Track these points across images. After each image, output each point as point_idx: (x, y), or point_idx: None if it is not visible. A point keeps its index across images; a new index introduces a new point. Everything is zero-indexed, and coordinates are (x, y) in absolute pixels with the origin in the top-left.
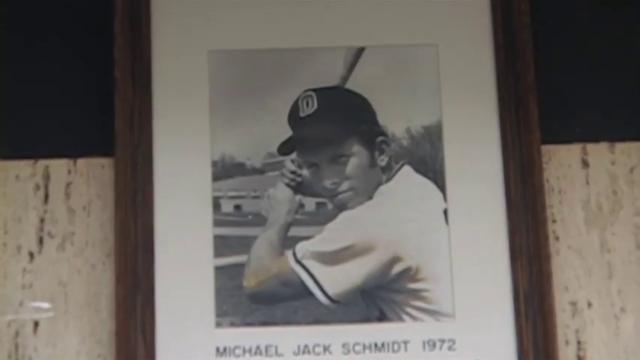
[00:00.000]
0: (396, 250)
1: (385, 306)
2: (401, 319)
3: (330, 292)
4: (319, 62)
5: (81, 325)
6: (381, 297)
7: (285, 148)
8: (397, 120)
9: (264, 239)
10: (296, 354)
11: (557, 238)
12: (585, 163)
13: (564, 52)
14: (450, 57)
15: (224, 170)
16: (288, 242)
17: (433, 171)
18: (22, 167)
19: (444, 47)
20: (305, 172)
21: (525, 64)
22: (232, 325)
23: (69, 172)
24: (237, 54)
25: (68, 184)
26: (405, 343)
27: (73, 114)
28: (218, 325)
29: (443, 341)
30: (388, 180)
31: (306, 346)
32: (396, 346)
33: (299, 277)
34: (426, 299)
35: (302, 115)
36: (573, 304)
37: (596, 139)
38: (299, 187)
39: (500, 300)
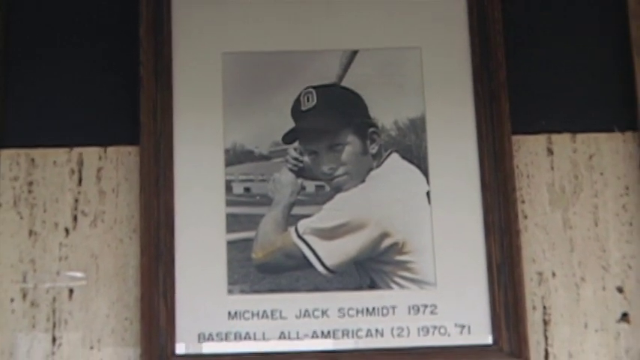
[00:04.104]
0: (385, 227)
1: (375, 275)
2: (389, 287)
3: (328, 264)
4: (318, 63)
5: (110, 292)
6: (372, 267)
7: (288, 138)
8: (386, 113)
9: (270, 217)
10: (298, 317)
11: (525, 217)
12: (550, 151)
13: (532, 54)
14: (431, 58)
15: (235, 157)
16: (291, 220)
17: (417, 158)
18: (60, 154)
19: (427, 50)
20: (306, 158)
21: (497, 65)
22: (242, 292)
23: (100, 158)
24: (247, 55)
25: (99, 169)
26: (393, 308)
27: (103, 108)
28: (230, 292)
29: (426, 306)
30: (378, 166)
31: (306, 310)
32: (385, 311)
33: (300, 250)
34: (411, 270)
35: (303, 109)
36: (539, 274)
37: (559, 130)
38: (301, 172)
39: (476, 270)
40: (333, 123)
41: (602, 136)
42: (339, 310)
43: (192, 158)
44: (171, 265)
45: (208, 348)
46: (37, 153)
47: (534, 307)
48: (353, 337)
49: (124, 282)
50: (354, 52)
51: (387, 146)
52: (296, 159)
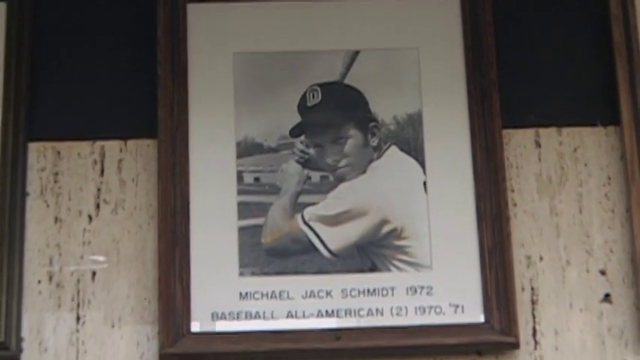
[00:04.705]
0: (385, 214)
1: (376, 259)
2: (388, 270)
3: (332, 248)
4: (323, 62)
5: (130, 274)
6: (372, 251)
7: (295, 132)
8: (386, 109)
9: (279, 205)
10: (304, 298)
11: (515, 204)
12: (538, 144)
13: (521, 55)
14: (428, 58)
15: (246, 149)
16: (297, 207)
17: (415, 150)
18: (83, 147)
19: (424, 51)
20: (311, 151)
21: (489, 64)
22: (252, 274)
23: (120, 150)
24: (256, 55)
25: (120, 160)
26: (392, 289)
27: (124, 104)
28: (241, 274)
29: (422, 287)
30: (378, 157)
31: (312, 291)
32: (384, 292)
33: (306, 236)
34: (408, 253)
35: (309, 104)
36: (528, 257)
37: (546, 125)
38: (306, 163)
39: (469, 254)
40: (337, 118)
41: (586, 130)
42: (342, 291)
43: (206, 150)
44: (187, 250)
45: (221, 326)
46: (62, 146)
47: (523, 289)
48: (355, 316)
49: (143, 265)
50: (356, 52)
51: (386, 139)
52: (302, 151)
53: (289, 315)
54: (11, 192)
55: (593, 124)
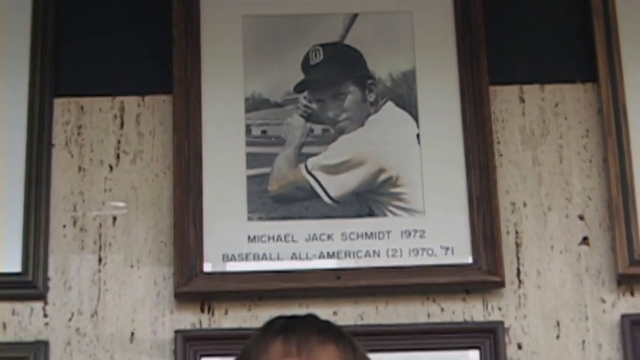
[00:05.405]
0: (381, 164)
1: (373, 205)
2: (384, 215)
3: (333, 195)
4: (324, 24)
5: (147, 219)
6: (370, 198)
7: (299, 88)
8: (382, 67)
9: (284, 155)
10: (307, 240)
11: (500, 155)
12: (522, 100)
13: (507, 17)
14: (421, 20)
15: (254, 104)
16: (301, 158)
17: (409, 105)
18: (104, 102)
19: (417, 13)
20: (314, 105)
21: (477, 26)
22: (260, 219)
23: (139, 105)
24: (264, 18)
25: (138, 115)
26: (388, 232)
27: (142, 63)
28: (249, 219)
29: (416, 231)
30: (375, 112)
31: (314, 234)
32: (381, 235)
33: (309, 184)
34: (403, 200)
35: (312, 63)
36: (512, 203)
37: (530, 82)
38: (309, 117)
39: (459, 200)
40: (337, 75)
41: (566, 87)
42: (342, 234)
43: (217, 105)
44: (200, 197)
45: (231, 267)
46: (85, 101)
47: (508, 232)
48: (354, 257)
49: (160, 210)
50: (355, 15)
51: (382, 95)
52: (305, 106)
53: (294, 256)
54: (38, 144)
55: (573, 82)
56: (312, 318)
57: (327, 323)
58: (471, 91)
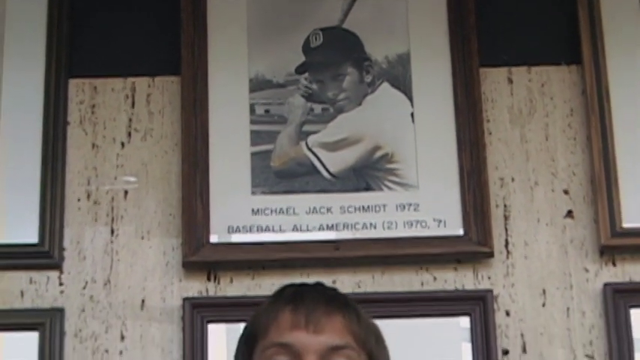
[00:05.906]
0: (378, 141)
1: (370, 180)
2: (381, 189)
3: (332, 170)
4: (324, 9)
5: (157, 193)
6: (367, 173)
7: (300, 69)
8: (378, 50)
9: (286, 133)
10: (307, 213)
11: (490, 133)
12: (510, 81)
13: (496, 2)
14: (416, 6)
15: (257, 84)
16: (302, 135)
17: (404, 85)
18: (116, 83)
19: None
20: (314, 86)
21: (469, 11)
22: (263, 193)
23: (149, 86)
24: (267, 2)
25: (148, 95)
26: (384, 206)
27: (152, 45)
28: (253, 193)
29: (410, 204)
30: (372, 92)
31: (314, 207)
32: (377, 208)
33: (310, 160)
34: (398, 175)
35: (312, 46)
36: (501, 179)
37: (518, 64)
38: (310, 97)
39: (451, 175)
40: (336, 57)
41: (552, 69)
42: (341, 207)
43: (223, 86)
44: (206, 172)
45: (236, 238)
46: (98, 82)
47: (497, 206)
48: (352, 229)
49: (169, 185)
50: (353, 1)
51: (379, 76)
52: (306, 86)
53: (295, 228)
54: (54, 122)
55: (558, 64)
56: (320, 287)
57: (334, 292)
58: (462, 72)
